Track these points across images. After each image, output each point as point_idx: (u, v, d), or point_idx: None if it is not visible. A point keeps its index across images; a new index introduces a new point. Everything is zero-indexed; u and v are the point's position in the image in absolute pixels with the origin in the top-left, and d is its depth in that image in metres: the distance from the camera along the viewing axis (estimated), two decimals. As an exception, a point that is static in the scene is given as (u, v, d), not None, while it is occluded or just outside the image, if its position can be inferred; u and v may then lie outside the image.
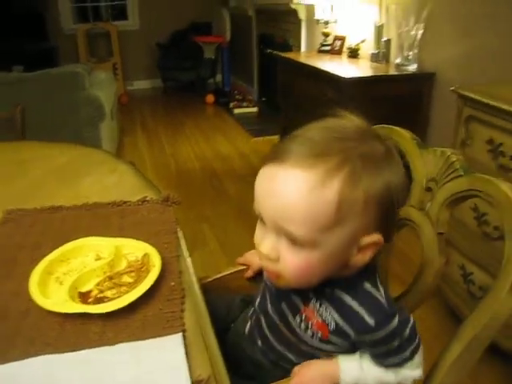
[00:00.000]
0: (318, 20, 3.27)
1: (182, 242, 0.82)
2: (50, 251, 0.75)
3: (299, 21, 3.85)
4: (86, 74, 2.72)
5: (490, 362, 1.51)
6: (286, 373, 0.72)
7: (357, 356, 0.69)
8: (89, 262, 0.75)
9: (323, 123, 0.60)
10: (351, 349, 0.68)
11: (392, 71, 2.47)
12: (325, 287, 0.64)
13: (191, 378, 0.52)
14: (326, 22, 3.19)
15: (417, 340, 0.65)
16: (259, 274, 0.89)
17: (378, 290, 0.63)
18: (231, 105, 5.06)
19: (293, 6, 3.70)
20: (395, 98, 2.32)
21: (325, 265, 0.59)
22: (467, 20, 2.11)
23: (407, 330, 0.63)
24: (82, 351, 0.57)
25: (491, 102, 1.40)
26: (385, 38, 2.62)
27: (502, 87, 1.58)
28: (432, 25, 2.30)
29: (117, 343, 0.57)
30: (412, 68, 2.38)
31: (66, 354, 0.56)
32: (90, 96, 2.72)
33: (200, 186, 3.13)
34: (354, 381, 0.68)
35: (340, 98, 2.28)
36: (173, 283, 0.68)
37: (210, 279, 0.94)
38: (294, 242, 0.57)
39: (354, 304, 0.62)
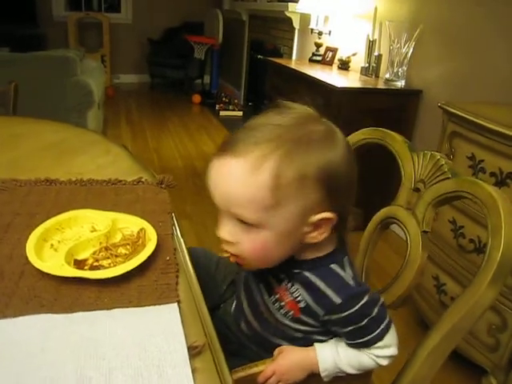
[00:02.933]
0: (311, 30, 3.33)
1: (176, 223, 0.84)
2: (45, 220, 0.76)
3: (292, 29, 3.91)
4: (78, 59, 2.71)
5: (454, 369, 1.56)
6: (268, 354, 0.75)
7: (332, 341, 0.73)
8: (84, 232, 0.76)
9: (266, 114, 0.64)
10: (322, 328, 0.71)
11: (381, 85, 2.53)
12: (294, 269, 0.69)
13: (187, 343, 0.53)
14: (320, 33, 3.25)
15: (386, 320, 0.68)
16: None
17: (345, 271, 0.68)
18: (217, 107, 5.09)
19: (288, 14, 3.76)
20: (382, 112, 2.37)
21: (279, 243, 0.63)
22: (455, 42, 2.19)
23: (375, 310, 0.67)
24: (78, 313, 0.58)
25: (474, 119, 1.46)
26: (376, 53, 2.69)
27: (485, 106, 1.64)
28: (422, 44, 2.38)
29: (113, 308, 0.59)
30: (400, 84, 2.45)
31: (61, 315, 0.57)
32: (81, 82, 2.70)
33: (182, 183, 3.14)
34: (331, 367, 0.71)
35: (328, 107, 2.33)
36: (168, 258, 0.70)
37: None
38: (246, 224, 0.62)
39: (322, 285, 0.67)
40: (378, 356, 0.70)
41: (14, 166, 1.02)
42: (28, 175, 0.94)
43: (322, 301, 0.67)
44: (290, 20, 3.83)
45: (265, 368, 0.72)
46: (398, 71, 2.45)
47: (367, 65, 2.75)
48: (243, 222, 0.62)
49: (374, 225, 0.92)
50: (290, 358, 0.72)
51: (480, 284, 0.63)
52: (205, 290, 0.68)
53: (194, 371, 0.50)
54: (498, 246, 0.62)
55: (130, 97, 5.73)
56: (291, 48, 4.03)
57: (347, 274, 0.68)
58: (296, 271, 0.69)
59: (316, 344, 0.73)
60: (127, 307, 0.59)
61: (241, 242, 0.64)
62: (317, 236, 0.64)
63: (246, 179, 0.59)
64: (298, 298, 0.68)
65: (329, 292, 0.66)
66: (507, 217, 0.63)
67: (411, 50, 2.39)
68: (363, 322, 0.67)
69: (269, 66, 3.39)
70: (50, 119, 1.41)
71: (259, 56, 4.20)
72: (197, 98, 5.51)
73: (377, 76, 2.69)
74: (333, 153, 0.62)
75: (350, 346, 0.71)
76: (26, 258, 0.66)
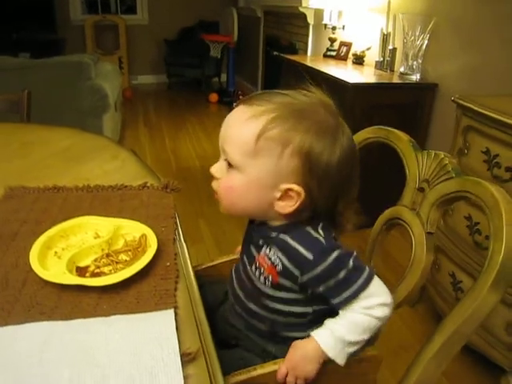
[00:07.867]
0: (325, 25, 3.30)
1: (179, 227, 0.84)
2: (51, 227, 0.77)
3: (307, 24, 3.88)
4: (93, 64, 2.74)
5: (472, 366, 1.53)
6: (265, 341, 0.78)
7: (324, 322, 0.72)
8: (87, 239, 0.77)
9: (293, 90, 0.71)
10: (303, 295, 0.72)
11: (396, 80, 2.49)
12: (271, 232, 0.73)
13: (180, 350, 0.54)
14: (334, 28, 3.22)
15: (366, 271, 0.69)
16: None
17: (318, 232, 0.70)
18: (234, 105, 5.07)
19: (301, 10, 3.73)
20: (397, 106, 2.34)
21: (248, 192, 0.69)
22: (470, 33, 2.14)
23: (350, 262, 0.68)
24: (77, 320, 0.59)
25: (489, 113, 1.42)
26: (390, 47, 2.65)
27: (500, 99, 1.61)
28: (437, 36, 2.33)
29: (111, 315, 0.60)
30: (415, 77, 2.41)
31: (61, 322, 0.58)
32: (95, 86, 2.73)
33: (199, 183, 3.15)
34: (334, 344, 0.70)
35: (343, 103, 2.31)
36: (168, 263, 0.70)
37: (204, 266, 0.96)
38: (229, 163, 0.69)
39: (294, 243, 0.69)
40: (367, 307, 0.69)
41: (23, 173, 1.04)
42: (36, 183, 0.96)
43: (296, 259, 0.69)
44: (304, 15, 3.80)
45: (266, 370, 0.73)
46: (412, 64, 2.41)
47: (382, 59, 2.71)
48: (227, 161, 0.69)
49: (380, 225, 0.91)
50: (296, 352, 0.72)
51: (481, 288, 0.62)
52: (206, 295, 0.69)
53: (187, 377, 0.51)
54: (499, 249, 0.61)
55: (148, 97, 5.78)
56: (306, 43, 4.00)
57: (319, 234, 0.70)
58: (273, 234, 0.72)
59: (312, 333, 0.72)
60: (125, 314, 0.60)
61: (221, 179, 0.71)
62: (284, 206, 0.69)
63: (244, 122, 0.67)
64: (276, 262, 0.71)
65: (301, 249, 0.68)
66: (509, 219, 0.62)
67: (426, 43, 2.34)
68: (341, 275, 0.67)
69: (284, 63, 3.37)
70: (65, 124, 1.44)
71: (275, 52, 4.18)
72: (214, 97, 5.52)
73: (391, 70, 2.65)
74: (321, 144, 0.66)
75: (338, 306, 0.70)
76: (30, 265, 0.68)
